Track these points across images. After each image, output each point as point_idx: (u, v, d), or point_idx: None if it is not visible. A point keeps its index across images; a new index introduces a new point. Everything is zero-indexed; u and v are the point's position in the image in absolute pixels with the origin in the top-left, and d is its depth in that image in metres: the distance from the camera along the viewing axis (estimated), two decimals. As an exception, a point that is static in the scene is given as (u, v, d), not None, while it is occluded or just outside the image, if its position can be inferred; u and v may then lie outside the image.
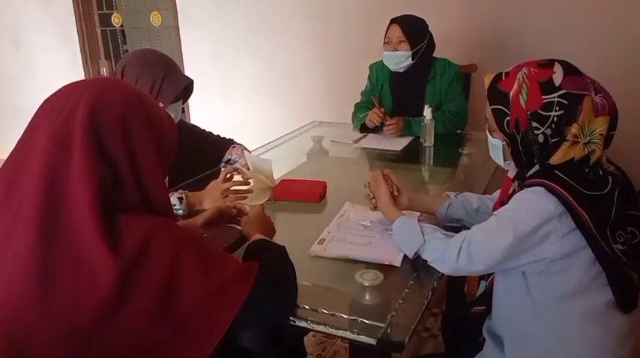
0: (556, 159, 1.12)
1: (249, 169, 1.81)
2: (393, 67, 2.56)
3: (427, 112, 2.33)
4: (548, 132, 1.11)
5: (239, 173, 1.99)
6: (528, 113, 1.12)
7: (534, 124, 1.12)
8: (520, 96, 1.13)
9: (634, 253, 1.11)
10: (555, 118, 1.10)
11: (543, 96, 1.10)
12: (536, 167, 1.17)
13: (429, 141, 2.35)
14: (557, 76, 1.11)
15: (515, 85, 1.14)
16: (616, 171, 1.15)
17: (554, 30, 2.85)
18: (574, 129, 1.09)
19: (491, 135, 1.25)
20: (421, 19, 2.52)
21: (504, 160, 1.26)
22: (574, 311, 1.12)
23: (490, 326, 1.30)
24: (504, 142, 1.21)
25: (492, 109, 1.19)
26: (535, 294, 1.14)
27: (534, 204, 1.10)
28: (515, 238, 1.09)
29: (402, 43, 2.48)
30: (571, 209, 1.06)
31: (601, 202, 1.08)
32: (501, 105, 1.16)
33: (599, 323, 1.11)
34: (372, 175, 1.52)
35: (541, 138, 1.12)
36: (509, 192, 1.25)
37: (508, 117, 1.15)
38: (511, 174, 1.28)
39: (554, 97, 1.10)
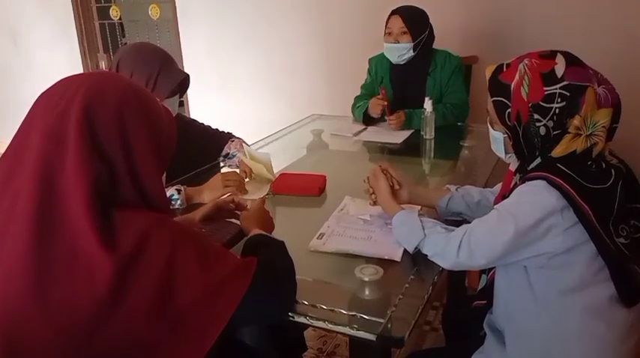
0: (558, 151, 1.11)
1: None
2: (394, 60, 2.54)
3: (428, 105, 2.31)
4: (550, 124, 1.10)
5: (238, 167, 1.99)
6: (530, 105, 1.10)
7: (536, 116, 1.10)
8: (521, 87, 1.11)
9: (637, 247, 1.10)
10: (557, 110, 1.08)
11: (545, 88, 1.09)
12: (538, 160, 1.16)
13: (429, 134, 2.34)
14: (560, 67, 1.10)
15: (517, 77, 1.12)
16: (619, 164, 1.13)
17: (555, 20, 2.83)
18: (576, 121, 1.07)
19: (492, 127, 1.24)
20: (422, 10, 2.50)
21: (506, 153, 1.25)
22: (576, 306, 1.11)
23: (491, 321, 1.29)
24: (505, 135, 1.19)
25: (493, 101, 1.17)
26: (537, 289, 1.13)
27: (536, 197, 1.08)
28: (517, 232, 1.08)
29: (403, 35, 2.46)
30: (573, 202, 1.04)
31: (604, 196, 1.06)
32: (502, 97, 1.15)
33: (601, 317, 1.11)
34: (370, 170, 1.51)
35: (543, 131, 1.11)
36: (511, 186, 1.24)
37: (509, 109, 1.14)
38: (513, 167, 1.27)
39: (556, 89, 1.08)
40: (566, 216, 1.06)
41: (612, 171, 1.09)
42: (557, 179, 1.06)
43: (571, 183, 1.05)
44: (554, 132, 1.10)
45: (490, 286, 1.28)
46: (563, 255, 1.08)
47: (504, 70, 1.16)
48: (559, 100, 1.08)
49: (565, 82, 1.08)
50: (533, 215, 1.07)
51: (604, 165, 1.10)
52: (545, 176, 1.08)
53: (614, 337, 1.12)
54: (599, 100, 1.07)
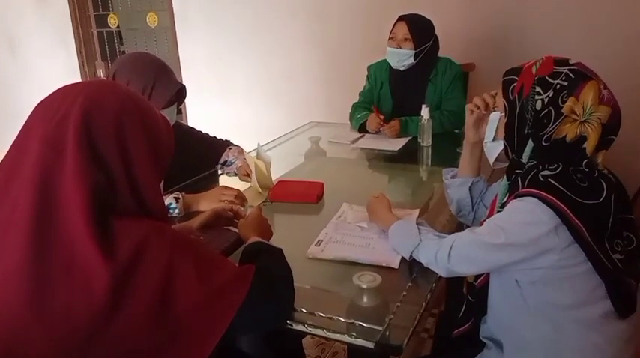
0: (549, 133, 1.11)
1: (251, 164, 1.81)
2: (394, 65, 2.56)
3: (425, 112, 2.32)
4: (546, 100, 1.11)
5: (236, 174, 2.00)
6: (536, 78, 1.13)
7: (537, 89, 1.13)
8: (533, 66, 1.16)
9: (631, 259, 1.10)
10: (558, 87, 1.10)
11: (555, 67, 1.13)
12: (530, 144, 1.15)
13: (426, 141, 2.35)
14: (573, 61, 1.14)
15: (533, 61, 1.17)
16: (609, 175, 1.13)
17: (554, 29, 2.84)
18: (570, 102, 1.08)
19: (492, 110, 1.26)
20: (428, 20, 2.52)
21: (495, 138, 1.26)
22: (572, 320, 1.10)
23: (485, 331, 1.29)
24: (502, 113, 1.21)
25: (503, 80, 1.20)
26: (530, 302, 1.13)
27: (528, 216, 1.08)
28: (505, 245, 1.08)
29: (406, 42, 2.48)
30: (567, 221, 1.04)
31: (597, 212, 1.06)
32: (513, 75, 1.19)
33: (599, 331, 1.10)
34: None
35: (538, 105, 1.12)
36: (495, 209, 1.24)
37: (515, 84, 1.17)
38: (498, 196, 1.27)
39: (564, 69, 1.12)
40: (562, 235, 1.05)
41: (604, 183, 1.08)
42: (550, 196, 1.06)
43: (564, 201, 1.05)
44: (546, 110, 1.11)
45: (473, 306, 1.28)
46: (558, 271, 1.08)
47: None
48: (563, 78, 1.11)
49: (574, 67, 1.12)
50: (527, 233, 1.07)
51: (596, 173, 1.10)
52: (537, 193, 1.07)
53: (612, 349, 1.11)
54: (601, 97, 1.09)
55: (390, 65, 2.60)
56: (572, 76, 1.10)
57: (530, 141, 1.15)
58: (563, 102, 1.09)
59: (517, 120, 1.16)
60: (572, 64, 1.13)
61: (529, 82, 1.14)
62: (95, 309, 0.81)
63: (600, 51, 2.72)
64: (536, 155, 1.15)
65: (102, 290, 0.81)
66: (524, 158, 1.17)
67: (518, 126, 1.17)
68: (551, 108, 1.11)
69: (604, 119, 1.09)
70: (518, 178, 1.16)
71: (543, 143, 1.12)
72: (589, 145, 1.09)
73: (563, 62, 1.14)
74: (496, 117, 1.25)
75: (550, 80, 1.12)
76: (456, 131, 2.54)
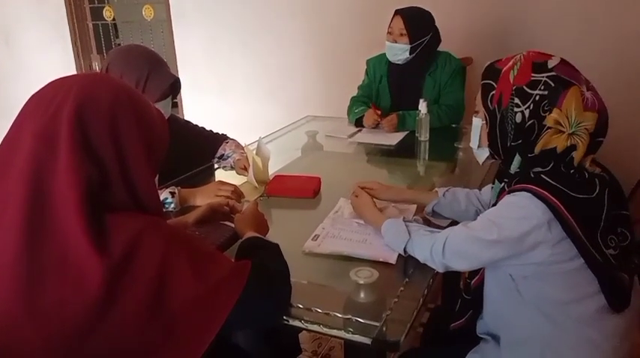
0: (534, 145, 1.09)
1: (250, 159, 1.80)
2: (391, 59, 2.56)
3: (422, 106, 2.31)
4: (527, 112, 1.08)
5: (233, 168, 1.99)
6: (513, 88, 1.09)
7: (516, 101, 1.09)
8: (511, 71, 1.11)
9: (626, 255, 1.09)
10: (537, 97, 1.07)
11: (533, 74, 1.08)
12: (517, 158, 1.13)
13: (424, 136, 2.34)
14: (553, 62, 1.10)
15: (510, 63, 1.13)
16: (602, 173, 1.12)
17: (554, 24, 2.82)
18: (555, 114, 1.06)
19: (476, 114, 1.23)
20: (427, 12, 2.50)
21: (479, 146, 1.23)
22: (567, 315, 1.10)
23: (481, 328, 1.28)
24: (484, 121, 1.18)
25: (482, 84, 1.17)
26: (526, 297, 1.13)
27: (521, 210, 1.07)
28: (498, 241, 1.08)
29: (401, 36, 2.47)
30: (559, 216, 1.03)
31: (590, 206, 1.05)
32: (491, 79, 1.15)
33: (594, 326, 1.10)
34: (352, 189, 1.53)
35: (518, 118, 1.09)
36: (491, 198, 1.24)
37: (493, 92, 1.13)
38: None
39: (543, 77, 1.08)
40: (554, 230, 1.04)
41: (596, 180, 1.08)
42: (543, 191, 1.05)
43: (557, 195, 1.04)
44: (529, 122, 1.08)
45: (469, 302, 1.28)
46: (550, 266, 1.07)
47: (503, 59, 1.16)
48: (542, 88, 1.07)
49: (553, 73, 1.08)
50: (519, 228, 1.06)
51: (587, 175, 1.09)
52: (530, 188, 1.07)
53: (608, 345, 1.11)
54: (585, 103, 1.06)
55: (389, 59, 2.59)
56: (552, 84, 1.06)
57: (517, 155, 1.13)
58: (545, 111, 1.06)
59: (499, 131, 1.14)
60: (552, 68, 1.08)
61: (507, 92, 1.10)
62: (89, 305, 0.80)
63: (600, 46, 2.71)
64: (524, 166, 1.13)
65: (96, 286, 0.80)
66: (512, 170, 1.16)
67: (500, 137, 1.14)
68: (533, 120, 1.08)
69: (591, 127, 1.06)
70: (507, 184, 1.17)
71: (529, 155, 1.11)
72: (577, 155, 1.08)
73: (541, 67, 1.09)
74: (478, 124, 1.22)
75: (528, 90, 1.08)
76: (454, 125, 2.54)
